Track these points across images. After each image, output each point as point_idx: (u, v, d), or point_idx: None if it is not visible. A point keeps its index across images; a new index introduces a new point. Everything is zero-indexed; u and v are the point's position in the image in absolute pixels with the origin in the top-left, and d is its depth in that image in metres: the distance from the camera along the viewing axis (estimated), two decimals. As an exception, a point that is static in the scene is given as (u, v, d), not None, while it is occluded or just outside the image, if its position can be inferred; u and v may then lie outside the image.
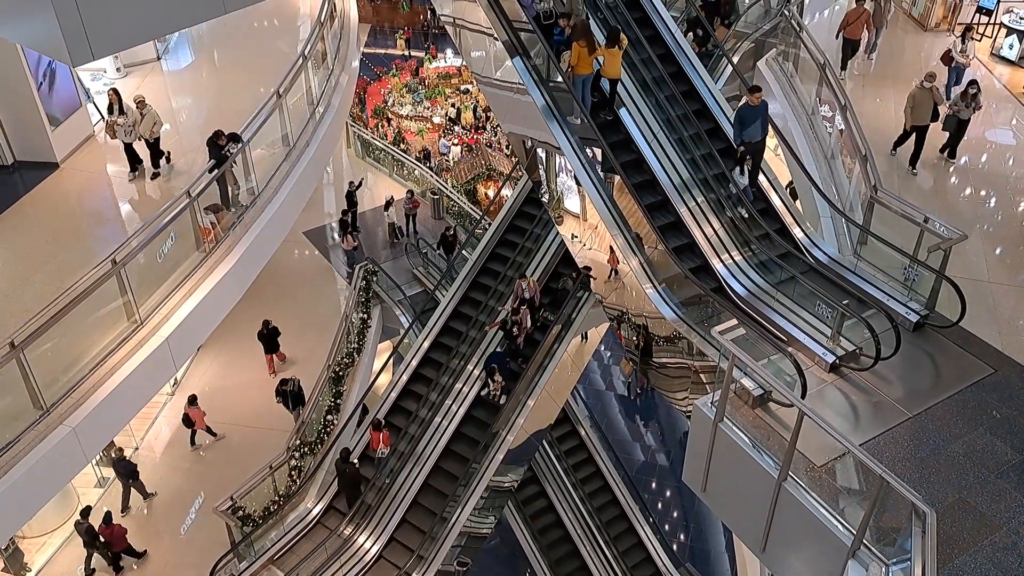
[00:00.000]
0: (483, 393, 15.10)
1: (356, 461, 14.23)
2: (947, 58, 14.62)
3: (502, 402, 14.85)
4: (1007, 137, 13.45)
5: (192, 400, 14.70)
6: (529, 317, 15.27)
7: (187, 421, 14.79)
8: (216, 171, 10.35)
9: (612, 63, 11.87)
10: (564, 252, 16.35)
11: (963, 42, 14.50)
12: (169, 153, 11.72)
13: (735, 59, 16.53)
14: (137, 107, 11.17)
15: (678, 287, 11.56)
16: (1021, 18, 15.59)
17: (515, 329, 15.18)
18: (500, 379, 14.87)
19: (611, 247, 16.03)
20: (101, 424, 8.73)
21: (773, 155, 15.12)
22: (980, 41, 16.25)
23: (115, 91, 11.32)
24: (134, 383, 8.86)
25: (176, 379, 15.96)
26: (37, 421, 8.20)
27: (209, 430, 15.05)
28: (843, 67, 15.06)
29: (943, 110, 12.82)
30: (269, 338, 16.38)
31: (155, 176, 11.56)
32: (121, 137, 11.34)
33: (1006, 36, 15.63)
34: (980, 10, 16.36)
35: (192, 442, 14.97)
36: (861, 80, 15.32)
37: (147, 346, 9.07)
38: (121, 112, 11.19)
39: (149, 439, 15.21)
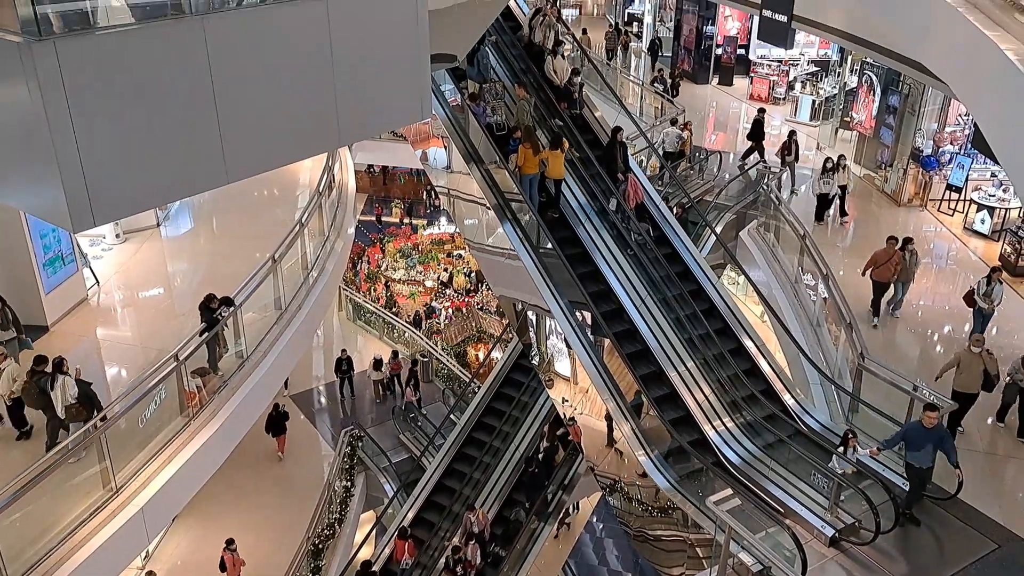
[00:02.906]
0: None
1: (376, 572, 13.58)
2: (969, 300, 12.57)
3: None
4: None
5: (229, 543, 14.06)
6: (478, 553, 14.59)
7: (222, 566, 14.04)
8: (206, 334, 10.35)
9: (555, 164, 13.13)
10: (518, 476, 16.24)
11: (988, 284, 12.29)
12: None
13: (718, 229, 17.22)
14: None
15: (673, 456, 11.37)
16: (990, 195, 16.29)
17: (460, 569, 14.46)
18: None
19: (572, 418, 15.99)
20: (63, 602, 8.19)
21: (760, 321, 15.37)
22: (952, 216, 16.92)
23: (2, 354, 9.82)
24: (104, 556, 8.38)
25: (148, 552, 15.19)
26: (-4, 598, 7.69)
27: None
28: (875, 312, 13.35)
29: (996, 373, 10.70)
30: (277, 421, 17.07)
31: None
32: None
33: (977, 211, 16.28)
34: (950, 187, 17.13)
35: None
36: (839, 251, 15.80)
37: (120, 516, 8.65)
38: None
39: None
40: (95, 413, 9.20)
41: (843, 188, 16.59)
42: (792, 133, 18.40)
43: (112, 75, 5.95)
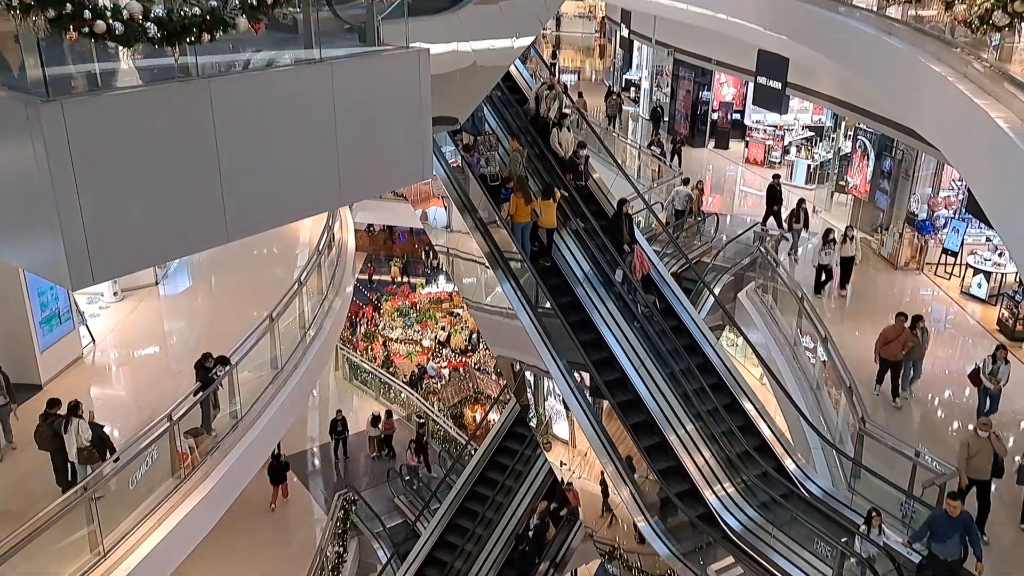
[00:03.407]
0: None
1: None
2: (975, 379, 12.11)
3: None
4: (988, 372, 13.63)
5: None
6: None
7: None
8: (200, 394, 10.25)
9: (547, 214, 13.39)
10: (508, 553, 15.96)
11: (994, 362, 11.83)
12: None
13: (716, 290, 17.24)
14: None
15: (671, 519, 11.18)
16: (986, 259, 16.34)
17: None
18: None
19: (569, 483, 15.73)
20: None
21: (759, 383, 15.27)
22: (949, 280, 16.96)
23: None
24: (87, 625, 8.15)
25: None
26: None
27: None
28: (879, 381, 12.94)
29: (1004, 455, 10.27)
30: (279, 470, 17.14)
31: None
32: None
33: (973, 275, 16.32)
34: (946, 251, 17.21)
35: None
36: (839, 315, 15.79)
37: (107, 582, 8.45)
38: None
39: None
40: (108, 456, 9.37)
41: (850, 259, 16.06)
42: (801, 201, 18.10)
43: (118, 135, 6.01)
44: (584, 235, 13.92)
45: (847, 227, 16.46)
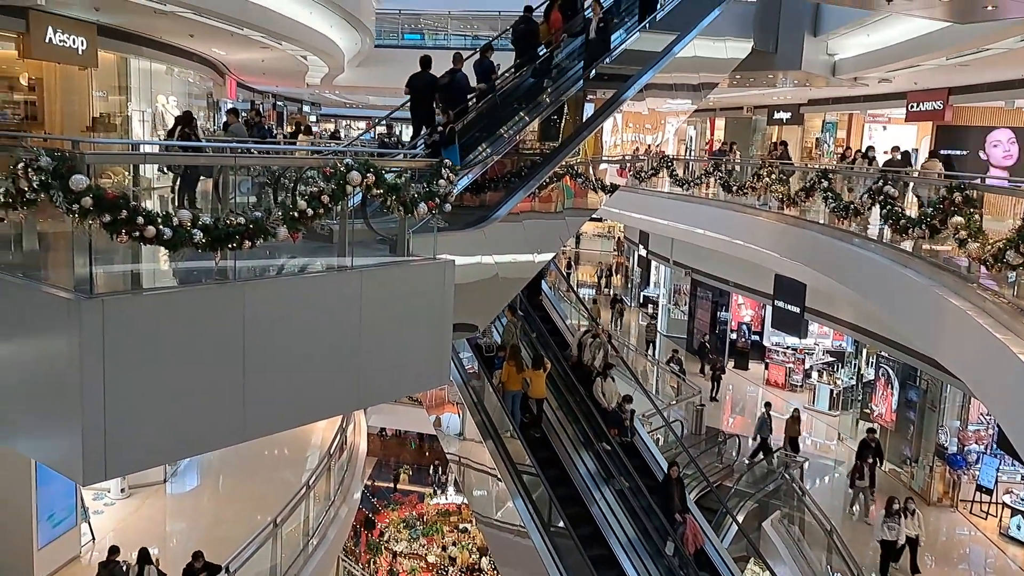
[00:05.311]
0: None
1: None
2: None
3: None
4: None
5: None
6: None
7: None
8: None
9: (537, 384, 13.55)
10: None
11: None
12: None
13: (740, 517, 16.50)
14: None
15: None
16: (1023, 499, 15.61)
17: None
18: None
19: None
20: None
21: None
22: (986, 520, 16.11)
23: None
24: None
25: None
26: None
27: None
28: None
29: None
30: None
31: None
32: None
33: (1012, 516, 15.50)
34: (980, 488, 16.51)
35: None
36: (869, 550, 14.91)
37: None
38: None
39: None
40: None
41: (914, 541, 13.79)
42: (867, 456, 16.36)
43: (151, 332, 6.13)
44: (628, 495, 13.19)
45: (907, 499, 14.35)
